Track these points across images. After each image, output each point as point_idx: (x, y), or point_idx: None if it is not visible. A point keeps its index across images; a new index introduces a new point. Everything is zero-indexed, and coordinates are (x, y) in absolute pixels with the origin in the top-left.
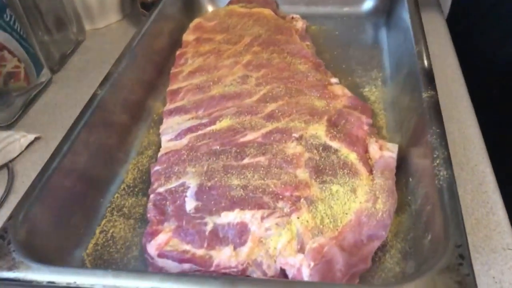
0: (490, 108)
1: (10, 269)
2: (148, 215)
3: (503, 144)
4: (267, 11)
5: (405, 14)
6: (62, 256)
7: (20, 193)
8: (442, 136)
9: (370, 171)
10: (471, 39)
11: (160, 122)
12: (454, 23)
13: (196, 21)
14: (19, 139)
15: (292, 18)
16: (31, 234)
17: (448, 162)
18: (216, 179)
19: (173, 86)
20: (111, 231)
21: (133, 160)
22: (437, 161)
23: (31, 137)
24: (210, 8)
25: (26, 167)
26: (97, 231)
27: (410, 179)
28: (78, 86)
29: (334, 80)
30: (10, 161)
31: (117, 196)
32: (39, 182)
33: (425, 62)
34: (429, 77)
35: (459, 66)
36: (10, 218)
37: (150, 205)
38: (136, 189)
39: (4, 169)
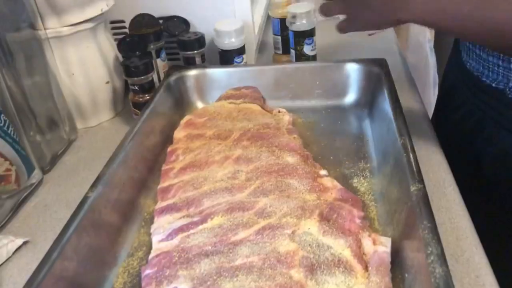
0: (477, 194)
1: None
2: None
3: (494, 234)
4: (255, 106)
5: (386, 106)
6: None
7: None
8: (434, 230)
9: (365, 268)
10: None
11: (151, 221)
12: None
13: (187, 118)
14: (7, 244)
15: (279, 112)
16: None
17: (442, 258)
18: (208, 283)
19: (164, 184)
20: None
21: (123, 263)
22: (431, 258)
23: (19, 241)
24: (200, 105)
25: (13, 273)
26: None
27: (406, 275)
28: (69, 186)
29: (323, 172)
30: None
31: None
32: None
33: (411, 155)
34: (416, 170)
35: (443, 155)
36: None
37: None
38: None
39: None
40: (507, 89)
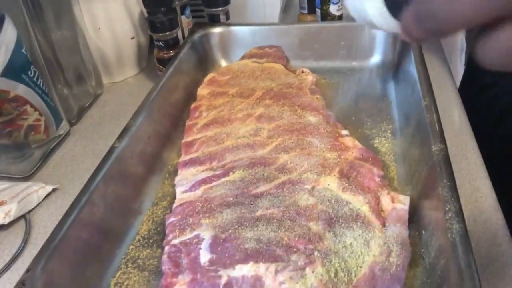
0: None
1: None
2: (163, 267)
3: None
4: (278, 66)
5: (412, 68)
6: None
7: (37, 244)
8: (453, 189)
9: (383, 223)
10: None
11: (174, 173)
12: None
13: (210, 75)
14: (37, 190)
15: (302, 72)
16: (48, 286)
17: (460, 215)
18: (230, 231)
19: (187, 138)
20: (125, 283)
21: (148, 212)
22: (449, 215)
23: (48, 188)
24: (223, 63)
25: (43, 218)
26: (112, 283)
27: (423, 232)
28: (95, 138)
29: (344, 132)
30: (28, 212)
31: (132, 248)
32: (58, 234)
33: (434, 116)
34: (438, 131)
35: (467, 119)
36: (28, 270)
37: (164, 257)
38: (151, 241)
39: (21, 220)
40: None
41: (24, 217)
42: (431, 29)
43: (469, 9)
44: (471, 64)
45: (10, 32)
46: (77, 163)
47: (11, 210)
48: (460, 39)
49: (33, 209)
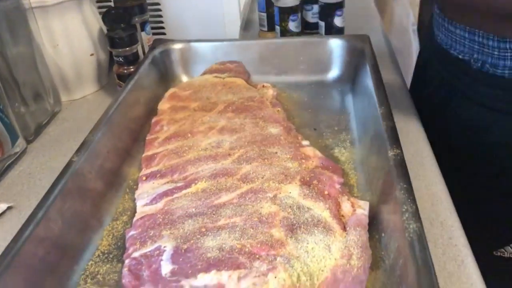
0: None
1: None
2: (123, 281)
3: (468, 200)
4: (239, 81)
5: (368, 82)
6: None
7: None
8: (409, 191)
9: (344, 228)
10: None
11: (135, 188)
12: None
13: (171, 90)
14: None
15: (263, 86)
16: None
17: (416, 215)
18: (192, 241)
19: (148, 152)
20: None
21: (108, 227)
22: (406, 215)
23: (3, 206)
24: (184, 79)
25: None
26: None
27: (383, 235)
28: (53, 155)
29: (305, 142)
30: None
31: (91, 263)
32: (11, 250)
33: (389, 123)
34: (394, 136)
35: (423, 128)
36: None
37: (125, 270)
38: (111, 256)
39: None
40: (472, 60)
41: None
42: None
43: None
44: (418, 63)
45: None
46: (34, 180)
47: None
48: (414, 58)
49: None
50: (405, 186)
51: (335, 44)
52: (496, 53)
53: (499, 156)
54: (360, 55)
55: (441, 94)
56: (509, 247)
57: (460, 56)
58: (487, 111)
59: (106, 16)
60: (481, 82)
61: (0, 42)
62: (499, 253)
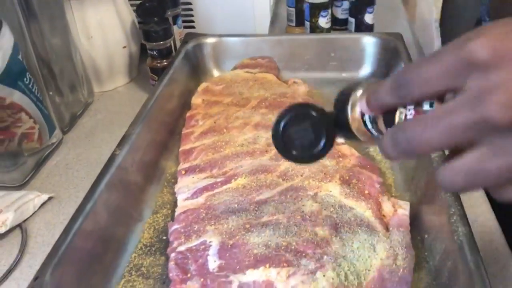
0: None
1: None
2: (170, 274)
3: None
4: (270, 76)
5: None
6: None
7: (34, 253)
8: (456, 193)
9: (386, 228)
10: None
11: (172, 181)
12: None
13: (204, 85)
14: (33, 199)
15: (294, 82)
16: None
17: (464, 218)
18: (237, 237)
19: (185, 146)
20: None
21: (149, 220)
22: (454, 218)
23: (45, 196)
24: (215, 73)
25: (40, 227)
26: None
27: (426, 236)
28: (88, 147)
29: (340, 140)
30: (24, 221)
31: (135, 256)
32: (63, 241)
33: None
34: None
35: None
36: (36, 278)
37: (171, 264)
38: (153, 249)
39: (17, 229)
40: None
41: (20, 226)
42: (405, 151)
43: (437, 138)
44: None
45: (7, 38)
46: (71, 171)
47: (7, 219)
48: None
49: (28, 218)
50: None
51: (368, 42)
52: None
53: None
54: (393, 53)
55: None
56: None
57: None
58: None
59: (140, 9)
60: None
61: (40, 33)
62: None
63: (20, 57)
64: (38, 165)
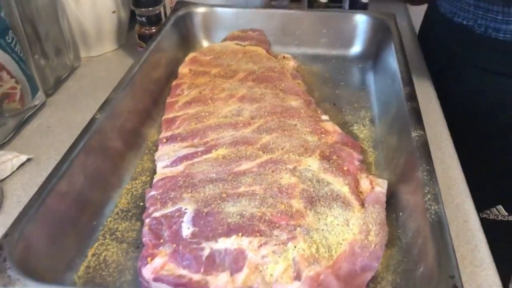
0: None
1: (5, 285)
2: (144, 239)
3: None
4: (260, 49)
5: (392, 59)
6: (54, 277)
7: (10, 213)
8: (432, 173)
9: (362, 205)
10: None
11: (154, 149)
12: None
13: (192, 54)
14: (12, 159)
15: (284, 57)
16: (25, 252)
17: (438, 197)
18: (212, 205)
19: (169, 115)
20: (103, 254)
21: (127, 185)
22: (428, 196)
23: (23, 157)
24: (205, 44)
25: (17, 187)
26: (89, 254)
27: (400, 214)
28: (71, 110)
29: (324, 117)
30: (0, 180)
31: (110, 220)
32: (36, 201)
33: (414, 104)
34: (418, 118)
35: (441, 109)
36: (6, 235)
37: (145, 229)
38: (130, 214)
39: None
40: (476, 26)
41: None
42: None
43: None
44: (422, 35)
45: None
46: (53, 134)
47: None
48: None
49: (6, 178)
50: (427, 168)
51: (360, 20)
52: (499, 17)
53: (494, 117)
54: (384, 33)
55: (442, 62)
56: (495, 209)
57: (464, 22)
58: (485, 74)
59: None
60: (483, 46)
61: None
62: (484, 215)
63: (2, 15)
64: (19, 126)
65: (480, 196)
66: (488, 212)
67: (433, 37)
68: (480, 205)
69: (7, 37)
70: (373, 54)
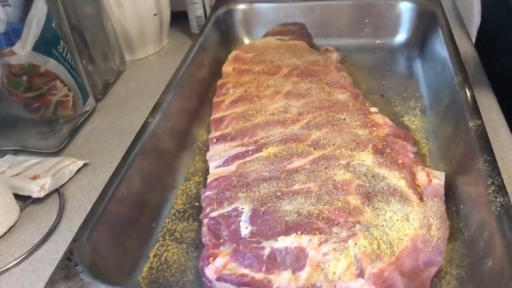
0: None
1: None
2: (203, 239)
3: None
4: (302, 43)
5: (440, 46)
6: (120, 279)
7: (72, 217)
8: (494, 163)
9: (420, 198)
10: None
11: (204, 149)
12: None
13: (234, 53)
14: (69, 165)
15: (327, 49)
16: (93, 256)
17: (503, 189)
18: (268, 204)
19: (216, 115)
20: (164, 255)
21: (181, 186)
22: (492, 188)
23: (80, 163)
24: (246, 41)
25: (76, 192)
26: (151, 255)
27: (461, 206)
28: (121, 114)
29: (373, 109)
30: (61, 186)
31: (168, 221)
32: (99, 205)
33: (468, 92)
34: (474, 107)
35: (494, 95)
36: (75, 240)
37: (204, 229)
38: (186, 214)
39: (55, 194)
40: None
41: (58, 191)
42: None
43: None
44: (487, 31)
45: (41, 6)
46: (105, 138)
47: (46, 184)
48: (475, 23)
49: (65, 183)
50: (489, 158)
51: (404, 7)
52: None
53: None
54: (430, 19)
55: (508, 55)
56: None
57: None
58: None
59: None
60: None
61: (73, 1)
62: None
63: (53, 25)
64: (73, 132)
65: None
66: None
67: (502, 39)
68: None
69: (58, 47)
70: (419, 42)
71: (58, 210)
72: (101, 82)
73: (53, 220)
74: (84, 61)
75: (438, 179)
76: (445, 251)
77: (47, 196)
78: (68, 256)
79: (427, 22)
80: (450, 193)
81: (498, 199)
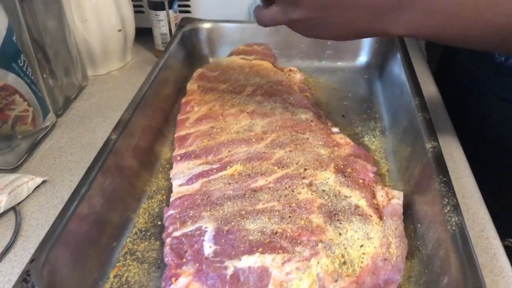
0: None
1: None
2: (166, 259)
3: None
4: (266, 63)
5: (398, 70)
6: None
7: (28, 236)
8: (449, 184)
9: (380, 217)
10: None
11: (167, 167)
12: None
13: (199, 70)
14: (27, 182)
15: (290, 70)
16: (51, 277)
17: (458, 208)
18: (232, 223)
19: (181, 132)
20: (125, 275)
21: (144, 205)
22: (447, 208)
23: (38, 180)
24: (211, 59)
25: (33, 210)
26: (111, 275)
27: (419, 225)
28: (82, 130)
29: (335, 129)
30: (17, 204)
31: (130, 241)
32: (58, 224)
33: (425, 115)
34: (431, 129)
35: (449, 118)
36: (32, 260)
37: (167, 249)
38: (148, 234)
39: (11, 212)
40: (496, 53)
41: (14, 209)
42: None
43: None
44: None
45: (1, 19)
46: (65, 155)
47: (1, 202)
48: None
49: (22, 201)
50: (444, 179)
51: None
52: None
53: None
54: (389, 43)
55: (464, 83)
56: None
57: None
58: (507, 105)
59: None
60: (504, 75)
61: (34, 15)
62: (506, 243)
63: (14, 38)
64: (32, 148)
65: (504, 225)
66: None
67: (456, 57)
68: (506, 232)
69: (19, 61)
70: (379, 65)
71: (14, 228)
72: (62, 97)
73: (8, 239)
74: (45, 76)
75: (397, 198)
76: (404, 269)
77: (3, 214)
78: (25, 277)
79: (386, 46)
80: (408, 212)
81: (453, 219)
